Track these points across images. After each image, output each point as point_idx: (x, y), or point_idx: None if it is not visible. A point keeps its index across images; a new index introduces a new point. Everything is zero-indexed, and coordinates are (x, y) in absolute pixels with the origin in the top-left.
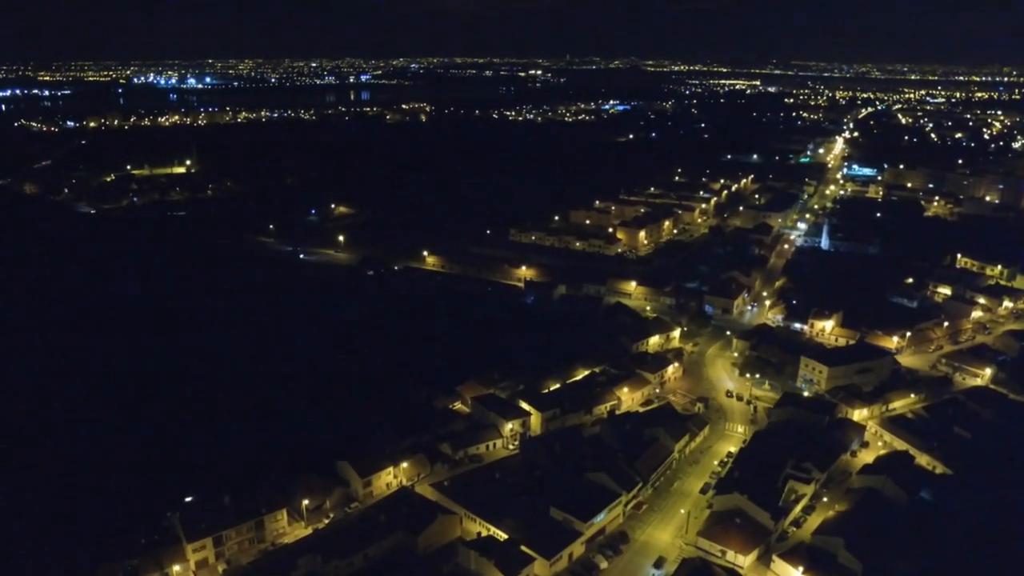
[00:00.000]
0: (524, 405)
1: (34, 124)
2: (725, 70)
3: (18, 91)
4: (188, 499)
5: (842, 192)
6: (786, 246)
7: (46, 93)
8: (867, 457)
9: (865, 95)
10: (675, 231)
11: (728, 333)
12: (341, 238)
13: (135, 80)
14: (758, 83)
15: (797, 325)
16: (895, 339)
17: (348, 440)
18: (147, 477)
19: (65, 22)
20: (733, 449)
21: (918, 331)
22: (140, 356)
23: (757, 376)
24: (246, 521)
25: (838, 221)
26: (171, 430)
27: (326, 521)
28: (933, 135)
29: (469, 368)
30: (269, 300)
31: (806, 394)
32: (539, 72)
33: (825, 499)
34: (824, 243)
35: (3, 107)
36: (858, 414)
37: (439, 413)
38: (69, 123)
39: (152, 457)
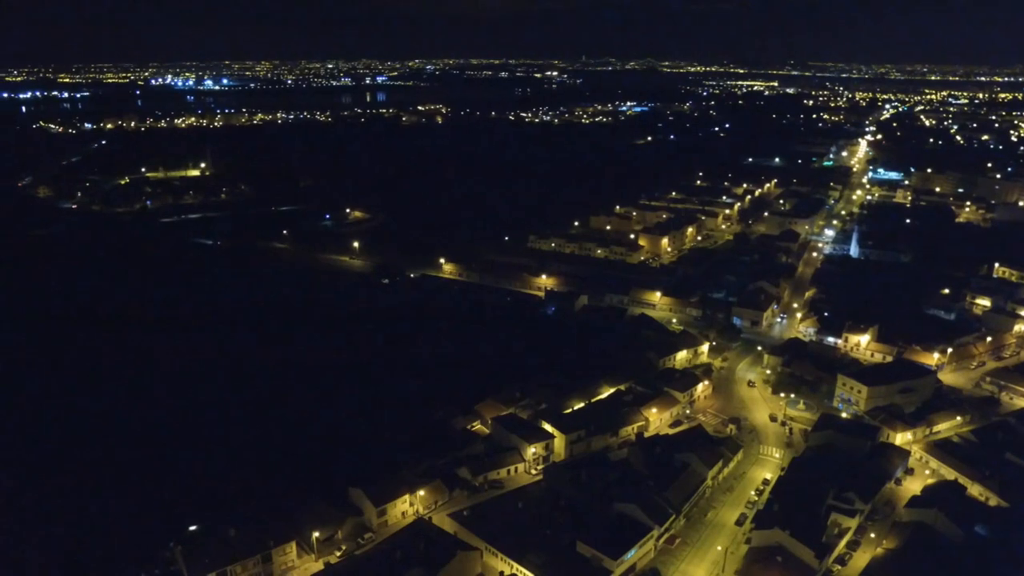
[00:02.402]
0: (547, 427)
1: (52, 126)
2: (742, 71)
3: (39, 93)
4: (192, 528)
5: (869, 197)
6: (814, 254)
7: (65, 95)
8: (913, 486)
9: (885, 96)
10: (699, 238)
11: (759, 348)
12: (356, 244)
13: (153, 82)
14: (776, 84)
15: (830, 339)
16: (935, 355)
17: (361, 463)
18: (147, 503)
19: (86, 24)
20: (769, 476)
21: (959, 346)
22: (139, 370)
23: (791, 395)
24: (253, 555)
25: (867, 228)
26: (172, 451)
27: (338, 554)
28: (959, 137)
29: (488, 385)
30: (278, 310)
31: (844, 415)
32: (555, 73)
33: (872, 534)
34: (853, 251)
35: (24, 109)
36: (901, 438)
37: (457, 434)
38: (87, 125)
39: (152, 481)
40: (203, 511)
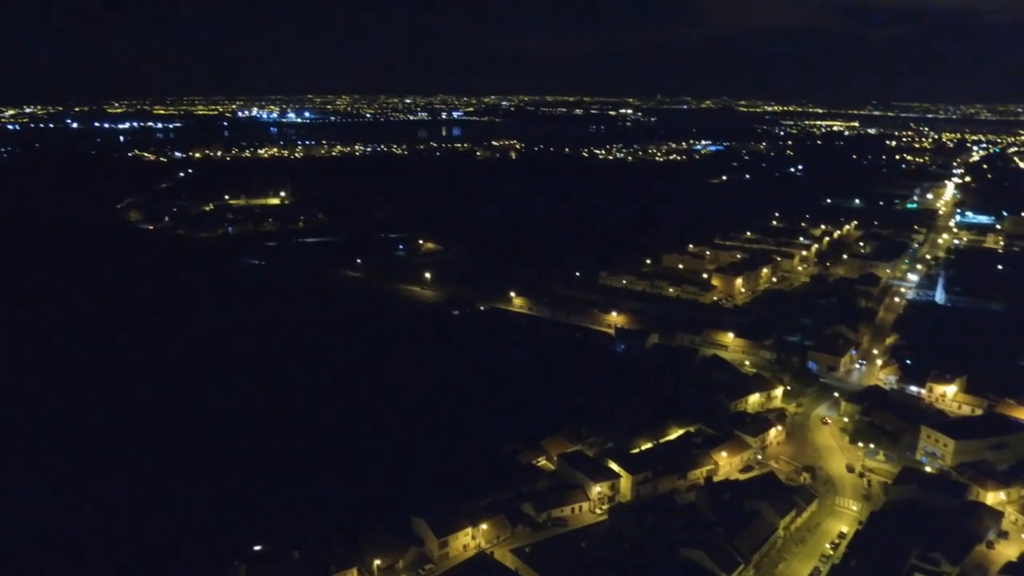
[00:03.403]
0: (613, 466)
1: (146, 154)
2: (821, 111)
3: (135, 124)
4: (257, 548)
5: (956, 241)
6: (896, 299)
7: (159, 125)
8: (1008, 551)
9: (975, 137)
10: (774, 279)
11: (836, 395)
12: (428, 275)
13: (240, 114)
14: (856, 124)
15: (913, 389)
16: None
17: (424, 493)
18: (216, 520)
19: (181, 60)
20: (845, 529)
21: None
22: (210, 394)
23: (870, 445)
24: None
25: (955, 273)
26: (241, 470)
27: None
28: None
29: (555, 420)
30: (348, 338)
31: (928, 469)
32: (629, 111)
33: None
34: (939, 297)
35: (122, 138)
36: (992, 497)
37: (522, 469)
38: (177, 154)
39: (222, 499)
40: (269, 532)
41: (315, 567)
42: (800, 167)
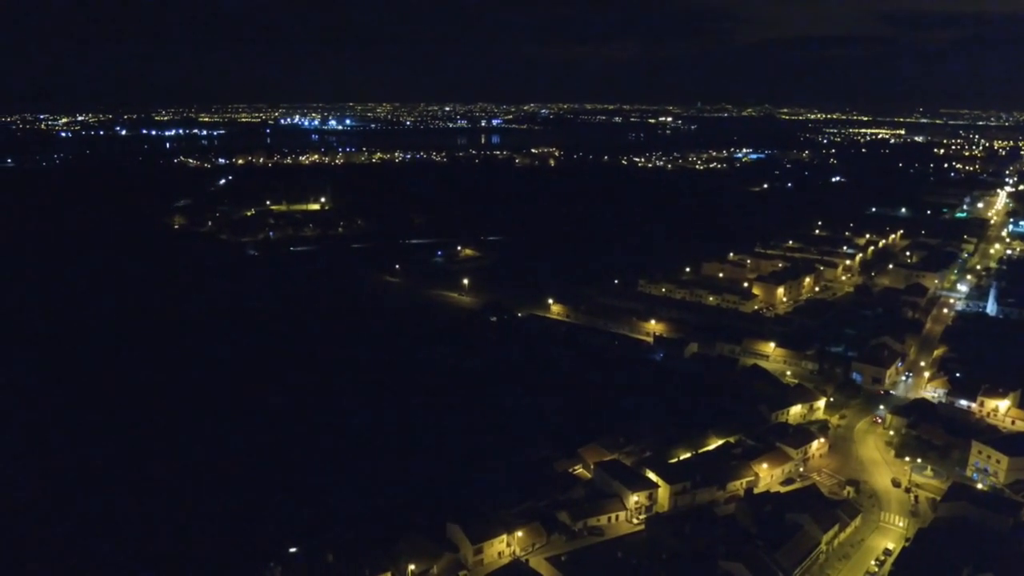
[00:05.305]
0: (651, 475)
1: (191, 160)
2: (866, 118)
3: (181, 131)
4: (292, 550)
5: (1009, 251)
6: (944, 310)
7: (204, 132)
8: None
9: None
10: (816, 288)
11: (881, 407)
12: (466, 281)
13: (282, 121)
14: (903, 132)
15: (963, 402)
16: None
17: (459, 498)
18: (252, 521)
19: (225, 69)
20: (891, 545)
21: None
22: (246, 395)
23: (918, 460)
24: None
25: (1007, 284)
26: (276, 474)
27: None
28: None
29: (592, 428)
30: (386, 342)
31: (980, 486)
32: (669, 119)
33: None
34: (991, 308)
35: (168, 145)
36: None
37: (558, 477)
38: (220, 160)
39: (257, 501)
40: (303, 534)
41: (349, 570)
42: (843, 175)
